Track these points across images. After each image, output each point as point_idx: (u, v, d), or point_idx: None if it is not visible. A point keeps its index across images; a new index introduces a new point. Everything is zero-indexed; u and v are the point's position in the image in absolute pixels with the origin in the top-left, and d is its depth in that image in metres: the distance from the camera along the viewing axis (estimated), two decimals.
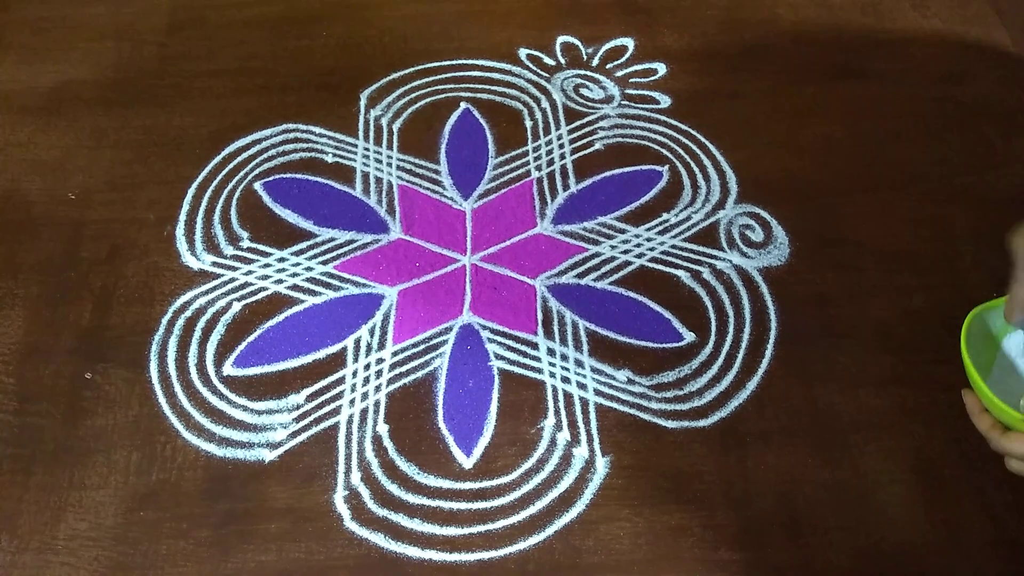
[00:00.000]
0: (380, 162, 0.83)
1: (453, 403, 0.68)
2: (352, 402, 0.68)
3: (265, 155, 0.83)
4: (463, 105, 0.88)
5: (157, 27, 0.95)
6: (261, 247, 0.77)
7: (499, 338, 0.72)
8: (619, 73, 0.91)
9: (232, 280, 0.75)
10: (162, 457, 0.65)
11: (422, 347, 0.71)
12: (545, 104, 0.88)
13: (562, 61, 0.92)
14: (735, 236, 0.78)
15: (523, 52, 0.93)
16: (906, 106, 0.88)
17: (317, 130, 0.86)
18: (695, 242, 0.78)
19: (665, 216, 0.80)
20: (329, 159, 0.83)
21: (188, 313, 0.73)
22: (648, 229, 0.79)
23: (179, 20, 0.96)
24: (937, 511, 0.64)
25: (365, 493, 0.64)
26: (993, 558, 0.62)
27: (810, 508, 0.64)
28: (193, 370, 0.70)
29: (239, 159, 0.83)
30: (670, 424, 0.67)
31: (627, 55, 0.93)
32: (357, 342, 0.71)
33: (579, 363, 0.70)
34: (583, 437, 0.67)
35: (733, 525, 0.63)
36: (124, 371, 0.70)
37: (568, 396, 0.69)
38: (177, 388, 0.69)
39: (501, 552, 0.61)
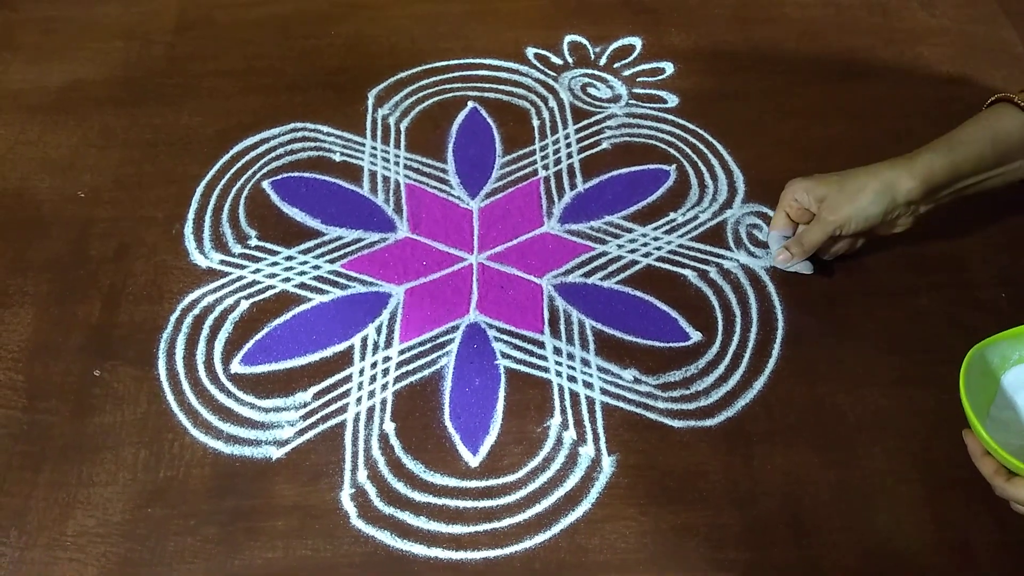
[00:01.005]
0: (387, 161, 0.83)
1: (459, 401, 0.68)
2: (359, 400, 0.68)
3: (273, 154, 0.84)
4: (470, 104, 0.88)
5: (165, 27, 0.96)
6: (269, 245, 0.77)
7: (506, 337, 0.72)
8: (626, 72, 0.91)
9: (240, 278, 0.75)
10: (170, 454, 0.66)
11: (429, 345, 0.71)
12: (552, 103, 0.88)
13: (569, 60, 0.92)
14: (742, 235, 0.78)
15: (531, 51, 0.93)
16: (913, 106, 0.88)
17: (325, 129, 0.86)
18: (702, 241, 0.78)
19: (672, 215, 0.80)
20: (336, 158, 0.84)
21: (196, 311, 0.73)
22: (655, 228, 0.79)
23: (187, 20, 0.96)
24: (943, 512, 0.63)
25: (371, 491, 0.64)
26: (999, 559, 0.61)
27: (816, 508, 0.63)
28: (201, 368, 0.70)
29: (247, 158, 0.84)
30: (676, 423, 0.67)
31: (634, 54, 0.93)
32: (364, 340, 0.71)
33: (585, 362, 0.70)
34: (589, 436, 0.67)
35: (739, 525, 0.63)
36: (132, 369, 0.70)
37: (574, 395, 0.69)
38: (185, 386, 0.69)
39: (507, 550, 0.61)
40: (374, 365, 0.70)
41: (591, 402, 0.68)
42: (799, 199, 0.72)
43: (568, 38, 0.94)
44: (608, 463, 0.65)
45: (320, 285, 0.75)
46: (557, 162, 0.83)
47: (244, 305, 0.73)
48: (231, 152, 0.84)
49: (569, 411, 0.68)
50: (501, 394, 0.69)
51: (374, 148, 0.84)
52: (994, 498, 0.64)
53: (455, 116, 0.87)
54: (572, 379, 0.70)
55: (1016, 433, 0.63)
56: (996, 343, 0.63)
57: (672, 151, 0.84)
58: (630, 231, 0.78)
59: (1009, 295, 0.74)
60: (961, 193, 0.70)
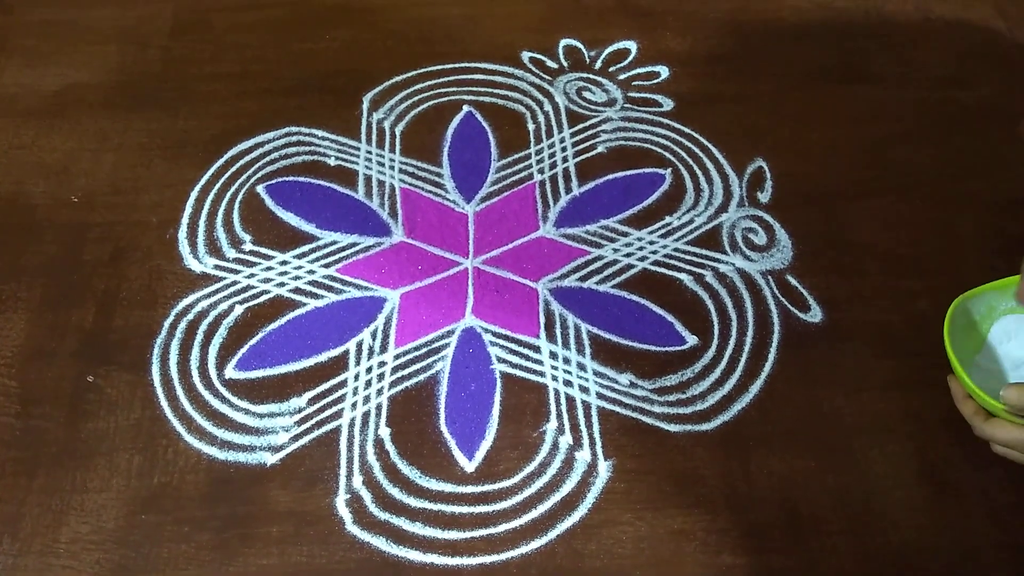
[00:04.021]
0: (382, 165, 0.83)
1: (455, 406, 0.68)
2: (354, 405, 0.68)
3: (268, 158, 0.84)
4: (466, 108, 0.88)
5: (161, 30, 0.95)
6: (263, 250, 0.77)
7: (501, 341, 0.72)
8: (622, 76, 0.91)
9: (234, 283, 0.75)
10: (164, 460, 0.65)
11: (424, 350, 0.71)
12: (548, 107, 0.88)
13: (565, 64, 0.92)
14: (738, 239, 0.78)
15: (526, 55, 0.93)
16: (910, 109, 0.88)
17: (320, 133, 0.86)
18: (698, 245, 0.78)
19: (668, 219, 0.79)
20: (331, 162, 0.83)
21: (190, 316, 0.73)
22: (651, 232, 0.78)
23: (183, 23, 0.96)
24: (941, 515, 0.63)
25: (367, 497, 0.64)
26: (998, 561, 0.61)
27: (813, 512, 0.63)
28: (195, 373, 0.70)
29: (242, 162, 0.83)
30: (673, 428, 0.67)
31: (630, 58, 0.93)
32: (359, 345, 0.71)
33: (581, 366, 0.70)
34: (585, 441, 0.66)
35: (736, 529, 0.62)
36: (126, 374, 0.70)
37: (570, 399, 0.69)
38: (179, 391, 0.69)
39: (503, 556, 0.61)
40: (369, 370, 0.70)
41: (587, 406, 0.68)
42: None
43: (563, 42, 0.94)
44: (604, 468, 0.65)
45: (315, 290, 0.74)
46: (552, 166, 0.83)
47: (238, 310, 0.73)
48: (226, 156, 0.84)
49: (565, 415, 0.68)
50: (497, 399, 0.69)
51: (369, 152, 0.84)
52: (993, 500, 0.64)
53: (450, 120, 0.87)
54: (568, 383, 0.69)
55: (1000, 381, 0.64)
56: (982, 294, 0.65)
57: (667, 155, 0.84)
58: (626, 235, 0.78)
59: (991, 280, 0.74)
60: None
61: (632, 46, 0.94)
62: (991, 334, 0.66)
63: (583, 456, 0.66)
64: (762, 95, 0.89)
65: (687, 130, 0.86)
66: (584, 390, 0.69)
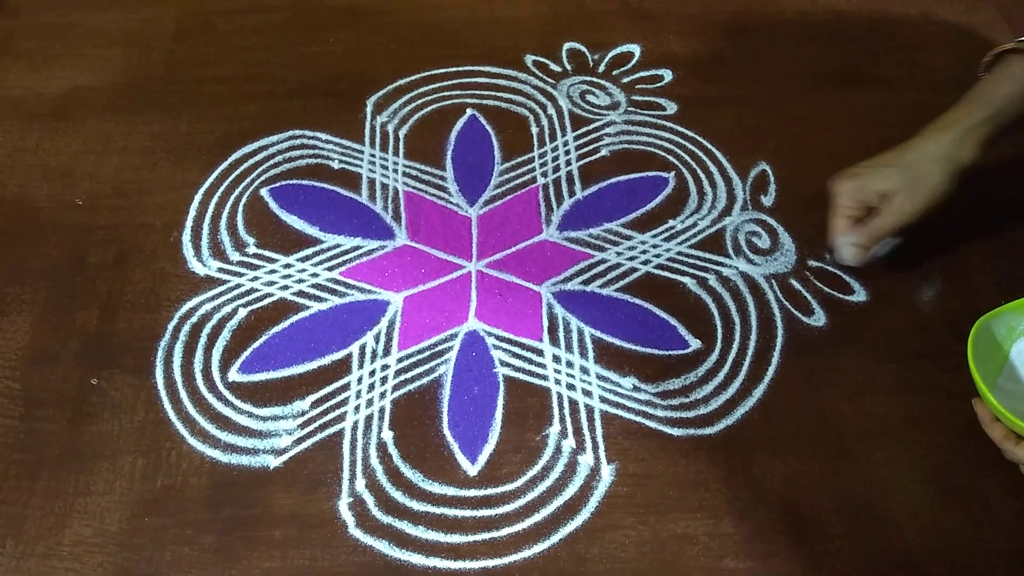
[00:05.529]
0: (386, 168, 0.83)
1: (458, 410, 0.68)
2: (357, 408, 0.68)
3: (271, 161, 0.84)
4: (469, 111, 0.88)
5: (165, 33, 0.96)
6: (267, 253, 0.77)
7: (504, 345, 0.72)
8: (625, 79, 0.91)
9: (238, 286, 0.75)
10: (167, 463, 0.65)
11: (427, 353, 0.71)
12: (551, 110, 0.88)
13: (568, 67, 0.92)
14: (741, 243, 0.78)
15: (529, 59, 0.93)
16: (914, 112, 0.87)
17: (323, 136, 0.86)
18: (701, 249, 0.78)
19: (671, 223, 0.79)
20: (335, 165, 0.84)
21: (194, 319, 0.73)
22: (654, 236, 0.78)
23: (187, 27, 0.96)
24: (945, 520, 0.63)
25: (370, 500, 0.64)
26: (1002, 567, 0.61)
27: (816, 516, 0.63)
28: (199, 376, 0.70)
29: (246, 165, 0.83)
30: (676, 432, 0.67)
31: (633, 61, 0.93)
32: (362, 348, 0.71)
33: (584, 370, 0.70)
34: (588, 444, 0.66)
35: (739, 534, 0.62)
36: (130, 377, 0.70)
37: (573, 403, 0.69)
38: (183, 394, 0.69)
39: (506, 560, 0.61)
40: (372, 373, 0.70)
41: (590, 410, 0.68)
42: (861, 199, 0.71)
43: (567, 45, 0.94)
44: (607, 472, 0.65)
45: (318, 293, 0.74)
46: (556, 169, 0.83)
47: (242, 313, 0.73)
48: (230, 159, 0.84)
49: (568, 419, 0.68)
50: (500, 402, 0.69)
51: (372, 155, 0.84)
52: (997, 506, 0.64)
53: (454, 123, 0.87)
54: (571, 387, 0.69)
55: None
56: (1001, 315, 0.64)
57: (671, 158, 0.84)
58: (629, 238, 0.78)
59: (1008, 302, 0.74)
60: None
61: (635, 49, 0.94)
62: (1013, 354, 0.66)
63: (586, 460, 0.66)
64: (765, 98, 0.89)
65: (690, 133, 0.86)
66: (587, 394, 0.69)
